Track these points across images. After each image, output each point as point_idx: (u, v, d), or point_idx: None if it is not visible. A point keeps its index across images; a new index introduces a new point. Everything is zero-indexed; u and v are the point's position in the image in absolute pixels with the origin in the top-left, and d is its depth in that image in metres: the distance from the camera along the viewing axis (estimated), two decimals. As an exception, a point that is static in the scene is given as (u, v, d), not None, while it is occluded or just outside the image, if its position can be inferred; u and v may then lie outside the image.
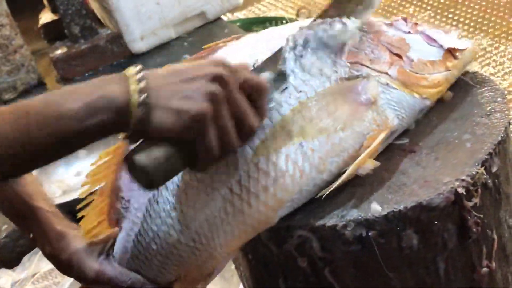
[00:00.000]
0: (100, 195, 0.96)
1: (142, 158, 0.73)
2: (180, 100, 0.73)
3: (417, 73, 0.93)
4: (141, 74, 0.73)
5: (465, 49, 0.98)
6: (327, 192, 0.84)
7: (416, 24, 1.01)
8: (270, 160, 0.84)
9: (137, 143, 0.76)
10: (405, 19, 1.00)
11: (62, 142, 0.72)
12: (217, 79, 0.74)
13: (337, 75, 0.90)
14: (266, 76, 0.84)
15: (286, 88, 0.88)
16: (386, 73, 0.92)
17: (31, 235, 0.97)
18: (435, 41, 0.98)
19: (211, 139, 0.74)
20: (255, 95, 0.78)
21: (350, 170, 0.85)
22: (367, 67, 0.91)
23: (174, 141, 0.74)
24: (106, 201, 0.95)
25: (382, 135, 0.88)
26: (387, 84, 0.91)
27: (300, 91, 0.88)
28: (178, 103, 0.72)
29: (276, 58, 0.89)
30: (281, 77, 0.87)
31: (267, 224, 0.86)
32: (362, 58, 0.93)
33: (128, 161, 0.75)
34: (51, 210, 0.98)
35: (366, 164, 0.86)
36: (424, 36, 0.99)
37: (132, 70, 0.74)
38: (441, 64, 0.96)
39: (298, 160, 0.85)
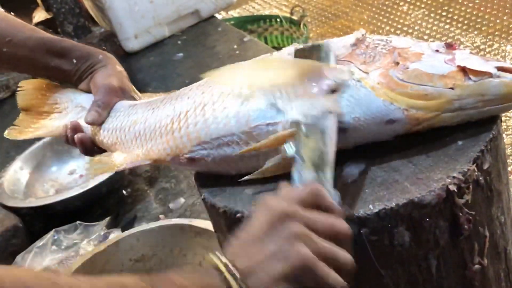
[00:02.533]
0: None
1: None
2: (275, 262, 0.71)
3: (402, 80, 0.86)
4: (230, 267, 0.73)
5: (489, 74, 0.85)
6: (239, 152, 0.90)
7: (454, 48, 0.91)
8: (215, 105, 0.94)
9: None
10: (448, 44, 0.91)
11: None
12: (287, 216, 0.73)
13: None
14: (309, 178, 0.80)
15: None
16: (367, 73, 0.88)
17: (74, 60, 1.15)
18: (454, 60, 0.88)
19: (334, 281, 0.71)
20: (317, 203, 0.76)
21: (264, 141, 0.88)
22: (355, 65, 0.90)
23: None
24: None
25: None
26: (358, 80, 0.88)
27: None
28: (274, 266, 0.71)
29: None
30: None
31: (180, 151, 0.96)
32: (357, 58, 0.91)
33: None
34: None
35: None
36: (449, 56, 0.89)
37: (220, 264, 0.73)
38: (442, 79, 0.86)
39: (230, 112, 0.92)
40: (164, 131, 1.00)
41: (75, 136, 1.13)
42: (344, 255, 0.74)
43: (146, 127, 1.04)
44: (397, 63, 0.88)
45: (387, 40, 0.94)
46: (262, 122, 0.90)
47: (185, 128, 0.96)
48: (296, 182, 0.80)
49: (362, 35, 0.95)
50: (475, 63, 0.86)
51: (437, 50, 0.89)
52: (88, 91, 1.18)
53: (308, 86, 0.88)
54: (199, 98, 0.98)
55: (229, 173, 0.95)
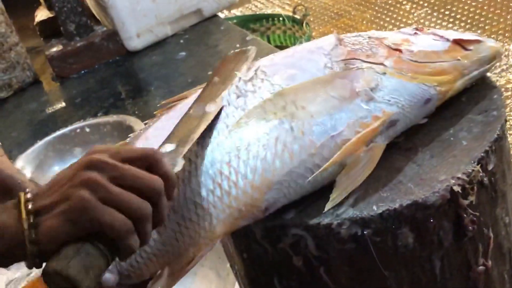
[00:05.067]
0: None
1: (53, 264, 0.69)
2: (61, 203, 0.71)
3: (416, 61, 0.92)
4: (30, 196, 0.72)
5: (479, 41, 0.96)
6: (316, 173, 0.85)
7: (427, 28, 1.00)
8: (261, 141, 0.86)
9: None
10: (416, 28, 1.00)
11: None
12: (91, 165, 0.71)
13: (332, 71, 0.91)
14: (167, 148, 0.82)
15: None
16: (382, 64, 0.91)
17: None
18: (441, 36, 0.97)
19: (110, 220, 0.69)
20: (151, 166, 0.74)
21: (339, 153, 0.85)
22: (363, 60, 0.91)
23: (80, 239, 0.70)
24: None
25: (377, 122, 0.87)
26: (384, 73, 0.90)
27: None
28: (60, 207, 0.71)
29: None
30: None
31: (253, 207, 0.85)
32: (358, 54, 0.93)
33: (45, 277, 0.70)
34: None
35: (359, 151, 0.85)
36: (431, 34, 0.98)
37: (22, 197, 0.73)
38: (447, 54, 0.94)
39: (287, 141, 0.86)
40: (213, 199, 0.85)
41: None
42: (140, 204, 0.71)
43: (177, 212, 0.87)
44: (398, 50, 0.93)
45: (360, 35, 0.98)
46: (326, 137, 0.86)
47: (243, 179, 0.85)
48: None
49: (338, 37, 0.97)
50: (462, 35, 0.97)
51: (415, 33, 0.98)
52: None
53: (343, 93, 0.88)
54: (230, 142, 0.87)
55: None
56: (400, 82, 0.90)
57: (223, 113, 0.90)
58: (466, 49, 0.95)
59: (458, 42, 0.96)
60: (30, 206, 0.71)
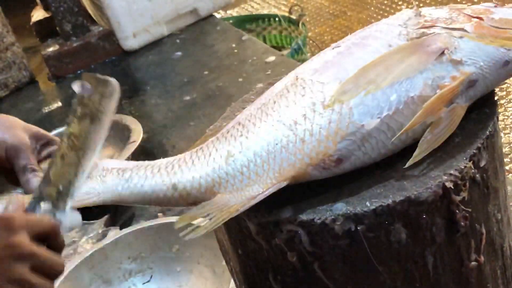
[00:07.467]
0: None
1: None
2: None
3: (497, 27, 0.92)
4: None
5: None
6: (399, 134, 0.85)
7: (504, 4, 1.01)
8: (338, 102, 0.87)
9: None
10: (496, 2, 1.00)
11: None
12: (18, 257, 0.80)
13: (407, 37, 0.92)
14: (45, 208, 0.88)
15: None
16: (462, 29, 0.92)
17: None
18: None
19: None
20: (48, 237, 0.85)
21: (420, 113, 0.85)
22: (442, 27, 0.92)
23: None
24: None
25: (456, 81, 0.87)
26: (461, 37, 0.91)
27: None
28: None
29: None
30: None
31: (325, 155, 0.86)
32: (437, 21, 0.94)
33: None
34: None
35: (440, 111, 0.86)
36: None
37: None
38: None
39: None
40: (287, 143, 0.88)
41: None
42: (54, 258, 0.84)
43: (256, 151, 0.89)
44: (479, 18, 0.93)
45: (440, 7, 0.98)
46: (406, 97, 0.86)
47: (318, 127, 0.87)
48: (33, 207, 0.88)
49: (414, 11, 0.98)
50: None
51: (496, 6, 0.97)
52: None
53: (420, 56, 0.89)
54: (308, 98, 0.89)
55: (372, 164, 0.89)
56: (477, 45, 0.90)
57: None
58: None
59: None
60: None
